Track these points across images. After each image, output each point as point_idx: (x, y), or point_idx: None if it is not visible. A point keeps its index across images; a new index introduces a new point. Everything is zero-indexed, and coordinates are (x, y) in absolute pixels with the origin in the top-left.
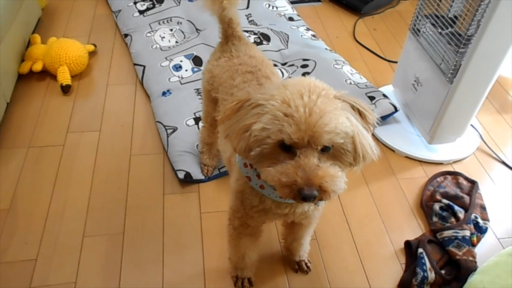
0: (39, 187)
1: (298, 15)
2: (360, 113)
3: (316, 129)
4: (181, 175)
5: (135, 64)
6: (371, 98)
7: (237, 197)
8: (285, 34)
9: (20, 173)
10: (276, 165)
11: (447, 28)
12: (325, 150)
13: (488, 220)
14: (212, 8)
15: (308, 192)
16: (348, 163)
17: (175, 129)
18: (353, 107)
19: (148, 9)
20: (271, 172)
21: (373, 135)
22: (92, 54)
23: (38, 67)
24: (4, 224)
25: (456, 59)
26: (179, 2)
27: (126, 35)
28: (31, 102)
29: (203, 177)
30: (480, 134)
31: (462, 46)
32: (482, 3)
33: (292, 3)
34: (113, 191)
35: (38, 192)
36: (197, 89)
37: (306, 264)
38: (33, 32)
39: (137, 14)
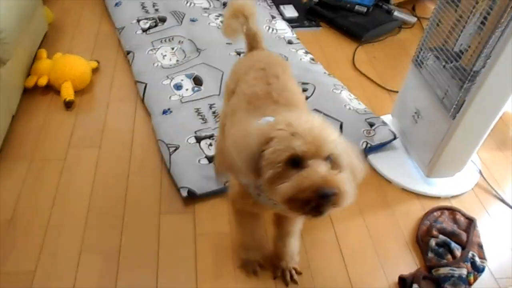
0: (39, 200)
1: (297, 39)
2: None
3: (320, 139)
4: (184, 193)
5: (136, 82)
6: (371, 124)
7: (239, 194)
8: (285, 56)
9: (22, 185)
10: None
11: (452, 62)
12: (328, 160)
13: (485, 259)
14: (236, 27)
15: (327, 189)
16: None
17: (177, 147)
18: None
19: (151, 27)
20: (285, 185)
21: (369, 164)
22: (94, 70)
23: (43, 81)
24: (5, 234)
25: (460, 94)
26: (181, 22)
27: (128, 52)
28: (35, 115)
29: (207, 193)
30: (479, 170)
31: (467, 81)
32: (492, 37)
33: (292, 27)
34: (110, 208)
35: (39, 204)
36: (197, 109)
37: (291, 273)
38: (39, 47)
39: (140, 32)
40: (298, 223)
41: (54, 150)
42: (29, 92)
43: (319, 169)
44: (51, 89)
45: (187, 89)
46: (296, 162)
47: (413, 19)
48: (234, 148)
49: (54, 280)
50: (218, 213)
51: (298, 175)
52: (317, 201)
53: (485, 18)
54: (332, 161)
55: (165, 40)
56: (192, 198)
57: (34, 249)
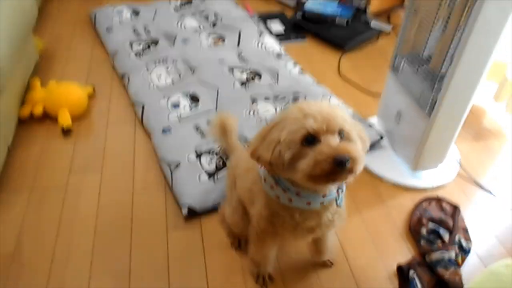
0: (43, 230)
1: (285, 52)
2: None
3: (329, 116)
4: (184, 210)
5: (133, 104)
6: None
7: (268, 220)
8: (275, 70)
9: (24, 217)
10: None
11: (422, 66)
12: (340, 136)
13: (470, 241)
14: (219, 139)
15: (341, 156)
16: None
17: (178, 165)
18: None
19: (144, 49)
20: (304, 162)
21: None
22: (91, 95)
23: (38, 110)
24: (9, 268)
25: (432, 94)
26: (174, 44)
27: (123, 75)
28: (32, 145)
29: (208, 207)
30: (459, 161)
31: (437, 83)
32: (453, 40)
33: (279, 41)
34: (117, 230)
35: (43, 234)
36: (196, 125)
37: (329, 260)
38: (31, 75)
39: (133, 55)
40: (333, 229)
41: (54, 178)
42: (25, 122)
43: (331, 142)
44: (47, 117)
45: (184, 107)
46: (310, 140)
47: (389, 27)
48: (260, 142)
49: None
50: None
51: (313, 151)
52: (335, 170)
53: (447, 22)
54: (343, 136)
55: (159, 62)
56: (192, 215)
57: (41, 280)
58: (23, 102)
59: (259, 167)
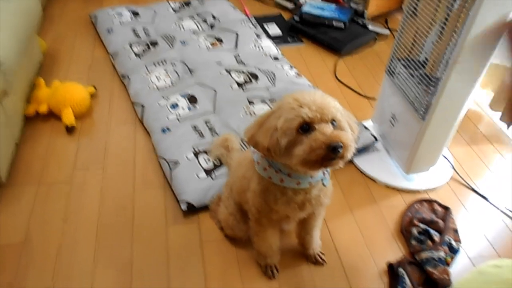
0: (50, 221)
1: (282, 55)
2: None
3: (323, 106)
4: (183, 206)
5: (134, 104)
6: None
7: (261, 197)
8: (272, 72)
9: (32, 208)
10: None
11: (418, 70)
12: (332, 124)
13: (460, 242)
14: (220, 152)
15: (335, 143)
16: None
17: (177, 163)
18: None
19: (144, 51)
20: (300, 148)
21: (355, 166)
22: (92, 95)
23: (43, 109)
24: (20, 256)
25: (427, 98)
26: (173, 45)
27: (124, 76)
28: (38, 142)
29: (206, 203)
30: (452, 165)
31: (431, 87)
32: (449, 45)
33: (276, 44)
34: (119, 223)
35: (50, 225)
36: (194, 126)
37: (320, 256)
38: (36, 75)
39: (134, 56)
40: (321, 217)
41: (60, 173)
42: (31, 120)
43: (325, 130)
44: (51, 116)
45: (183, 108)
46: (305, 128)
47: (386, 31)
48: (259, 131)
49: None
50: None
51: (308, 138)
52: (328, 155)
53: (443, 28)
54: (335, 124)
55: (158, 63)
56: (191, 211)
57: (49, 268)
58: (28, 100)
59: (253, 152)
